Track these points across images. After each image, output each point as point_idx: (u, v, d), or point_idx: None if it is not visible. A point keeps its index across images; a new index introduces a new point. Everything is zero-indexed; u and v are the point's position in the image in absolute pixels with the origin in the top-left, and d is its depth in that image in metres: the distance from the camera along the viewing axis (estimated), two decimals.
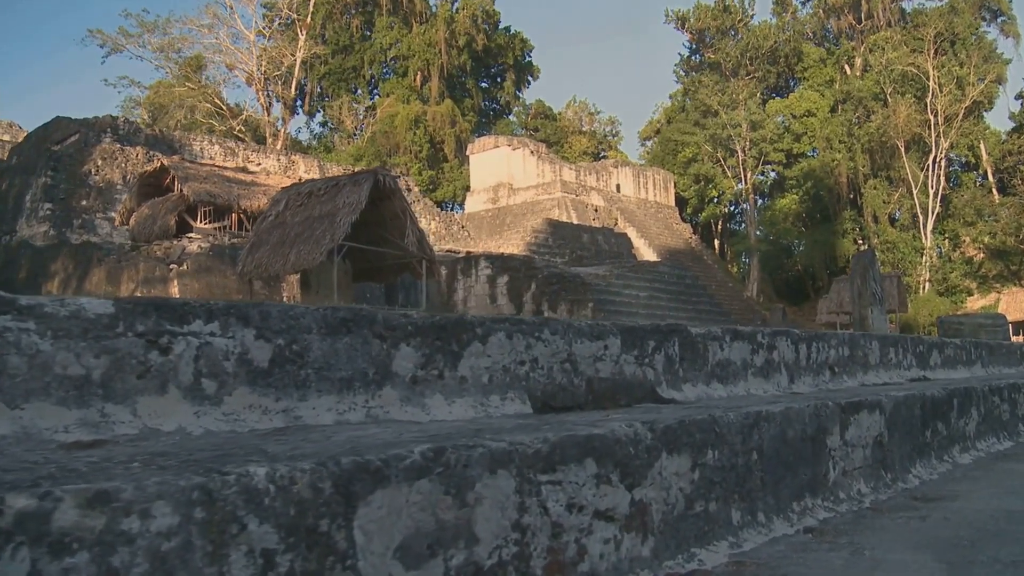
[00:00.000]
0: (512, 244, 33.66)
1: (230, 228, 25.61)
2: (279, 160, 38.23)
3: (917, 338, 7.00)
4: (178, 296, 22.34)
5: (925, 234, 48.49)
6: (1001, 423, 5.34)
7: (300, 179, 32.15)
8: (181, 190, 24.82)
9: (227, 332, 2.26)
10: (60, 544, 1.16)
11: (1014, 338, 30.25)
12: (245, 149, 37.76)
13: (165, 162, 25.96)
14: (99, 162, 30.31)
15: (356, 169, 41.30)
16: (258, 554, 1.37)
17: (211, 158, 33.71)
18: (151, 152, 30.59)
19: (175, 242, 23.84)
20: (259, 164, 35.95)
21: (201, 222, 25.34)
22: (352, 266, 18.52)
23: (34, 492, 1.17)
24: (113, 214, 28.65)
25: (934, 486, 3.67)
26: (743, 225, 60.90)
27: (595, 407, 3.36)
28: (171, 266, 22.65)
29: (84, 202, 29.50)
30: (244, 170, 29.88)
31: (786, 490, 2.85)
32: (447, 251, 29.31)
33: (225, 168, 28.61)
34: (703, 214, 57.42)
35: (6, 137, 46.31)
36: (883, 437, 3.63)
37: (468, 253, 27.03)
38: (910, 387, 4.87)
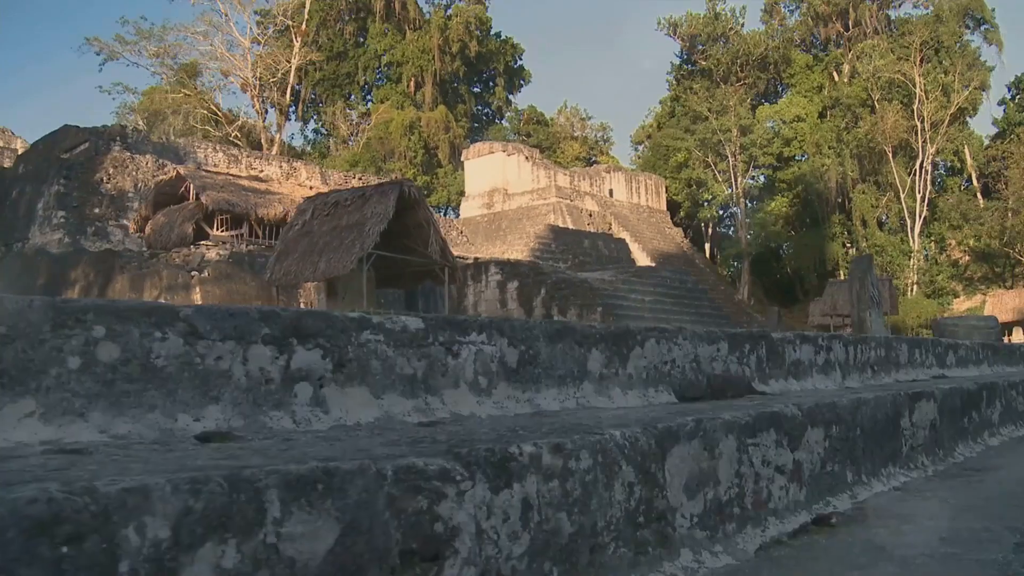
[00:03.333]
0: (516, 250, 34.46)
1: (245, 236, 26.32)
2: (281, 167, 38.79)
3: (936, 340, 7.91)
4: (201, 303, 23.03)
5: (912, 237, 49.79)
6: (1018, 413, 6.25)
7: (308, 187, 32.91)
8: (199, 198, 25.49)
9: (492, 341, 3.09)
10: (547, 475, 2.00)
11: (1003, 339, 31.37)
12: (248, 156, 38.33)
13: (181, 171, 26.64)
14: (111, 170, 30.84)
15: (355, 174, 42.13)
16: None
17: (215, 165, 34.33)
18: (160, 160, 31.21)
19: (193, 249, 24.52)
20: (262, 171, 36.57)
21: (217, 230, 26.04)
22: (374, 273, 19.31)
23: (519, 444, 2.01)
24: (126, 221, 29.26)
25: (977, 461, 4.55)
26: (732, 229, 62.05)
27: (712, 398, 4.20)
28: (192, 273, 23.34)
29: (97, 210, 30.03)
30: (257, 178, 30.56)
31: (878, 458, 3.71)
32: (455, 257, 30.05)
33: (239, 177, 29.27)
34: (696, 217, 58.47)
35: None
36: (936, 421, 4.51)
37: (476, 259, 27.86)
38: (944, 382, 5.74)
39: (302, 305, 23.36)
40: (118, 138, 33.11)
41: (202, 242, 25.43)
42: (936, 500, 3.31)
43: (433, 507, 1.74)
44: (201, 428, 2.30)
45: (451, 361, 2.95)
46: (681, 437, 2.42)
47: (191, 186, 26.18)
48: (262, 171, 35.82)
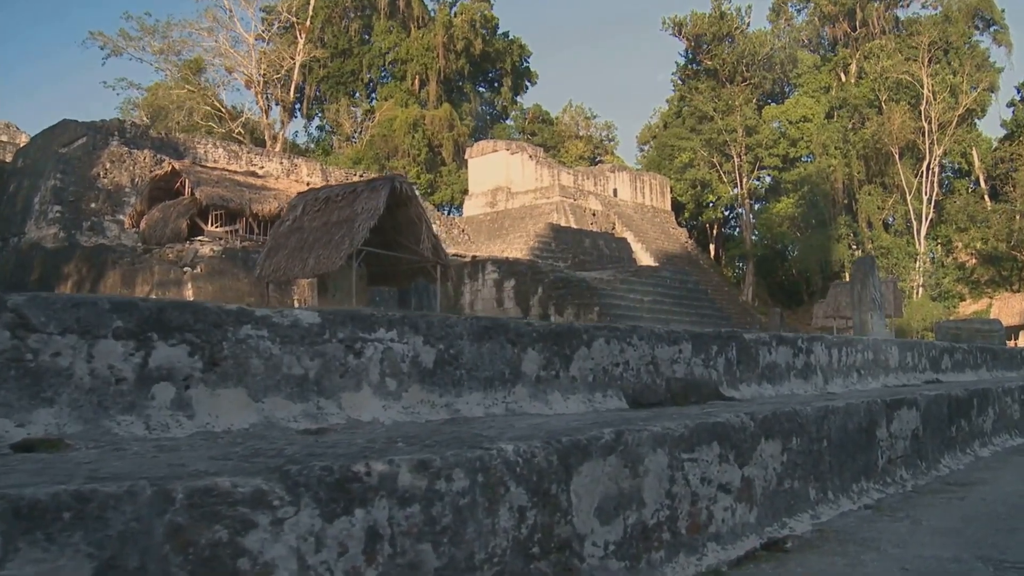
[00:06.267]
0: (515, 248, 34.11)
1: (240, 232, 26.01)
2: (281, 163, 38.48)
3: (930, 343, 7.52)
4: (192, 298, 22.73)
5: (919, 240, 49.24)
6: (1013, 422, 5.86)
7: (306, 183, 32.61)
8: (193, 194, 25.21)
9: (403, 338, 2.74)
10: (404, 498, 1.65)
11: (1008, 343, 30.88)
12: (249, 152, 38.01)
13: (177, 166, 26.36)
14: (107, 165, 30.58)
15: (357, 172, 41.86)
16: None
17: (215, 161, 34.02)
18: (158, 155, 30.94)
19: (187, 245, 24.23)
20: (262, 167, 36.27)
21: (212, 225, 25.74)
22: (367, 270, 18.98)
23: (382, 460, 1.66)
24: (122, 217, 28.99)
25: (963, 474, 4.18)
26: (738, 230, 61.57)
27: (672, 404, 3.84)
28: (184, 269, 23.06)
29: (93, 205, 29.76)
30: (253, 174, 30.28)
31: (848, 473, 3.35)
32: (452, 255, 29.73)
33: (235, 173, 28.98)
34: (701, 218, 58.06)
35: (3, 137, 46.46)
36: (919, 431, 4.14)
37: (474, 257, 27.52)
38: (934, 388, 5.37)
39: (296, 302, 23.07)
40: (116, 133, 32.85)
41: (196, 238, 25.14)
42: (908, 521, 2.95)
43: (236, 539, 1.40)
44: (24, 435, 1.96)
45: (352, 360, 2.60)
46: (592, 452, 2.07)
47: (186, 181, 25.89)
48: (263, 167, 35.51)
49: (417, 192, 41.57)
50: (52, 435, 2.01)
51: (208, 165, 31.14)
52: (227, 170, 29.21)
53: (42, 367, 2.02)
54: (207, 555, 1.37)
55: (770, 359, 4.67)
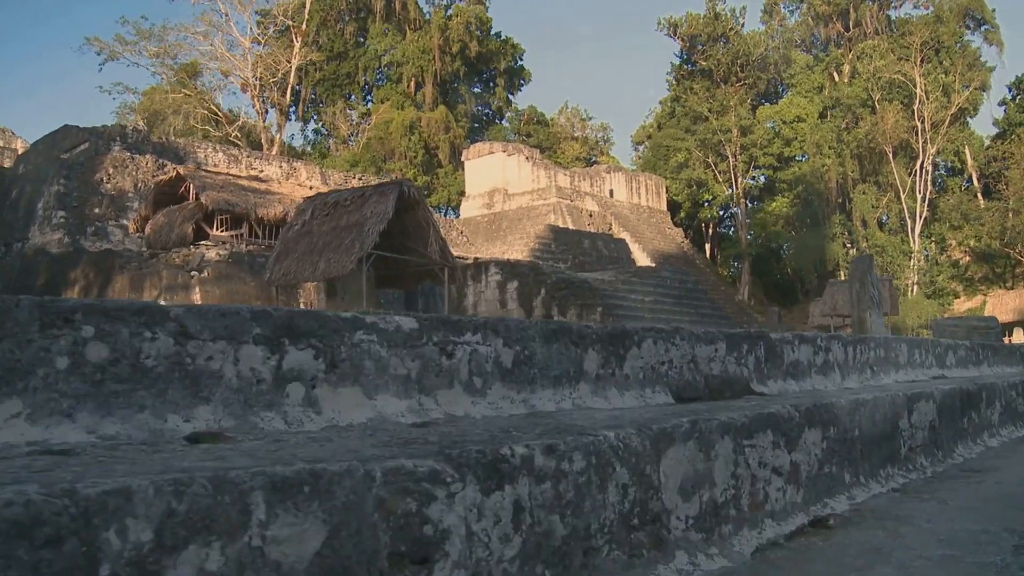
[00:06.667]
0: (516, 250, 34.44)
1: (245, 236, 26.28)
2: (281, 167, 38.75)
3: (935, 341, 7.88)
4: (200, 303, 23.00)
5: (913, 238, 49.80)
6: (1018, 414, 6.23)
7: (308, 187, 32.90)
8: (198, 198, 25.46)
9: (486, 341, 3.06)
10: (540, 476, 1.97)
11: (1003, 339, 31.32)
12: (248, 156, 38.27)
13: (181, 171, 26.61)
14: (110, 170, 30.80)
15: (355, 175, 42.14)
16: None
17: (215, 165, 34.29)
18: (160, 160, 31.19)
19: (193, 250, 24.49)
20: (262, 171, 36.55)
21: (217, 230, 26.01)
22: (374, 273, 19.26)
23: (511, 445, 1.98)
24: (126, 222, 29.23)
25: (976, 461, 4.53)
26: (733, 229, 62.04)
27: (710, 398, 4.17)
28: (192, 273, 23.33)
29: (97, 210, 29.99)
30: (256, 178, 30.53)
31: (876, 459, 3.69)
32: (455, 257, 30.02)
33: (239, 177, 29.25)
34: (697, 218, 58.50)
35: None
36: (935, 422, 4.48)
37: (476, 259, 27.83)
38: (945, 383, 5.72)
39: (302, 305, 23.35)
40: (118, 138, 33.11)
41: (202, 242, 25.41)
42: (934, 502, 3.29)
43: (423, 509, 1.72)
44: (191, 429, 2.27)
45: (445, 361, 2.92)
46: (676, 438, 2.40)
47: (191, 186, 26.16)
48: (262, 171, 35.77)
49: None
50: (213, 429, 2.33)
51: (210, 170, 31.41)
52: (230, 174, 29.48)
53: (199, 370, 2.34)
54: (402, 522, 1.69)
55: (794, 357, 5.00)
